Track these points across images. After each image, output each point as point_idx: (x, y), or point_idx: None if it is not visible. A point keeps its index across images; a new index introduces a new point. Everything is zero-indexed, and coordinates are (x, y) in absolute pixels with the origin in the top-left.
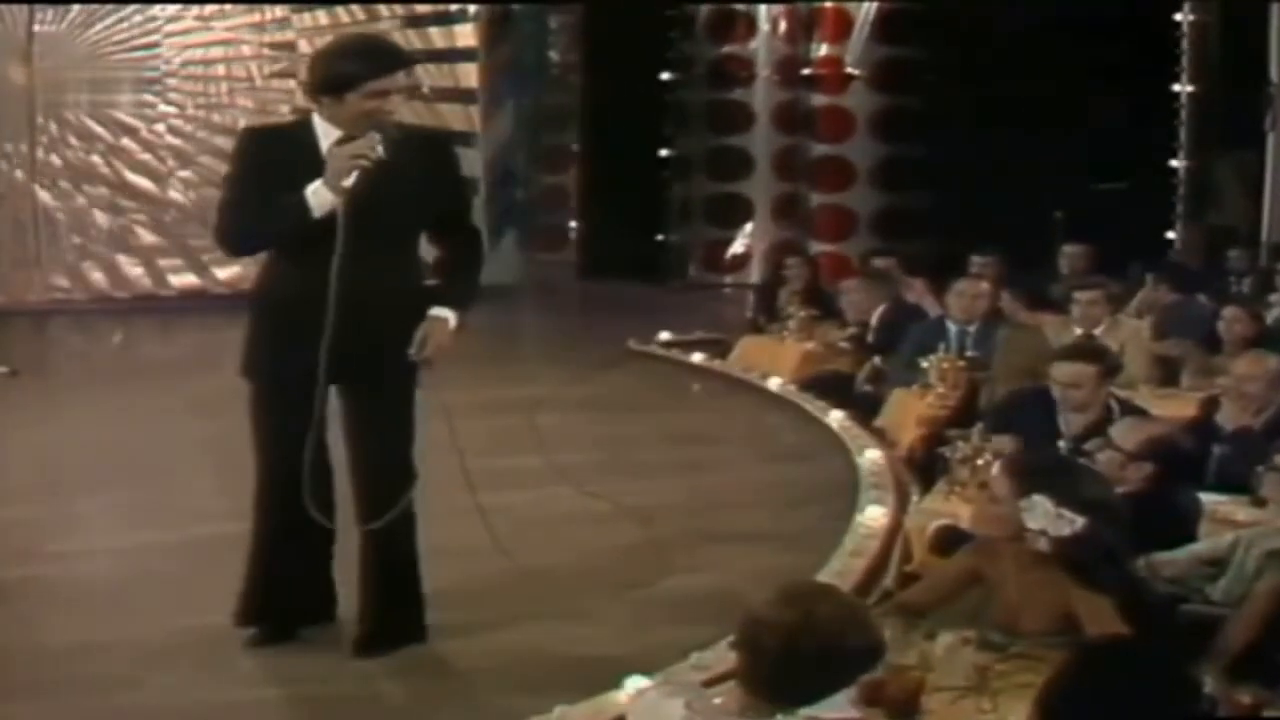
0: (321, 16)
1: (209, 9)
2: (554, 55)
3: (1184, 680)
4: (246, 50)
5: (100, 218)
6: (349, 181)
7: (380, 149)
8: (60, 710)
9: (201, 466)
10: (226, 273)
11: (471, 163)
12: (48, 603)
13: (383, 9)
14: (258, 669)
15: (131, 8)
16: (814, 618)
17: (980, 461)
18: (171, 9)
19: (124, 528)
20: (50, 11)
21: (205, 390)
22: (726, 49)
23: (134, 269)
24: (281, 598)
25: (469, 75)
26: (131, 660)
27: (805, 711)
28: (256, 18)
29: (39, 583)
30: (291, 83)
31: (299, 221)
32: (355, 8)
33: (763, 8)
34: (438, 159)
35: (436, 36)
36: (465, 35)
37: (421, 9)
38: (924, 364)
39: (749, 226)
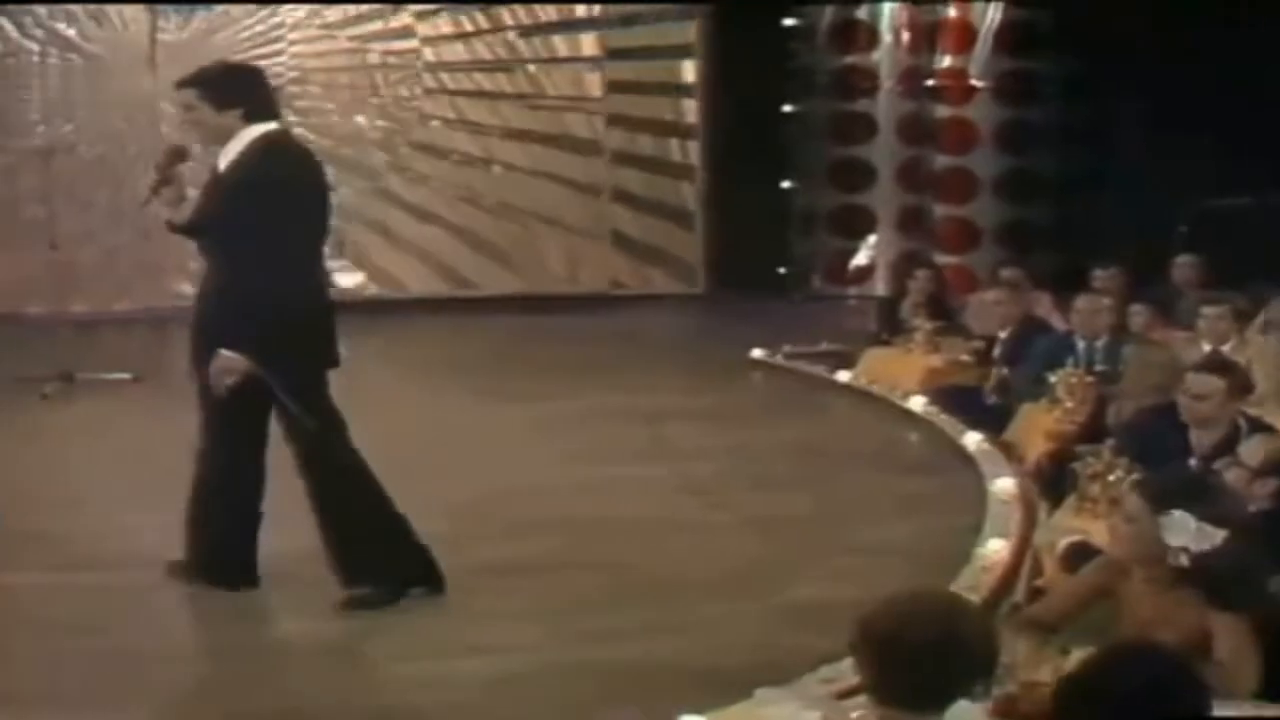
0: (444, 25)
1: (332, 16)
2: None
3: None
4: (370, 58)
5: None
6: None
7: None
8: None
9: None
10: (350, 280)
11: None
12: (182, 611)
13: (506, 16)
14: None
15: (256, 16)
16: (920, 619)
17: (1111, 478)
18: (298, 15)
19: None
20: (174, 19)
21: None
22: (849, 59)
23: None
24: None
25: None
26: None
27: None
28: (379, 26)
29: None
30: (416, 90)
31: None
32: (479, 16)
33: (885, 18)
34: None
35: (560, 44)
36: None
37: (546, 16)
38: (1052, 379)
39: (872, 238)
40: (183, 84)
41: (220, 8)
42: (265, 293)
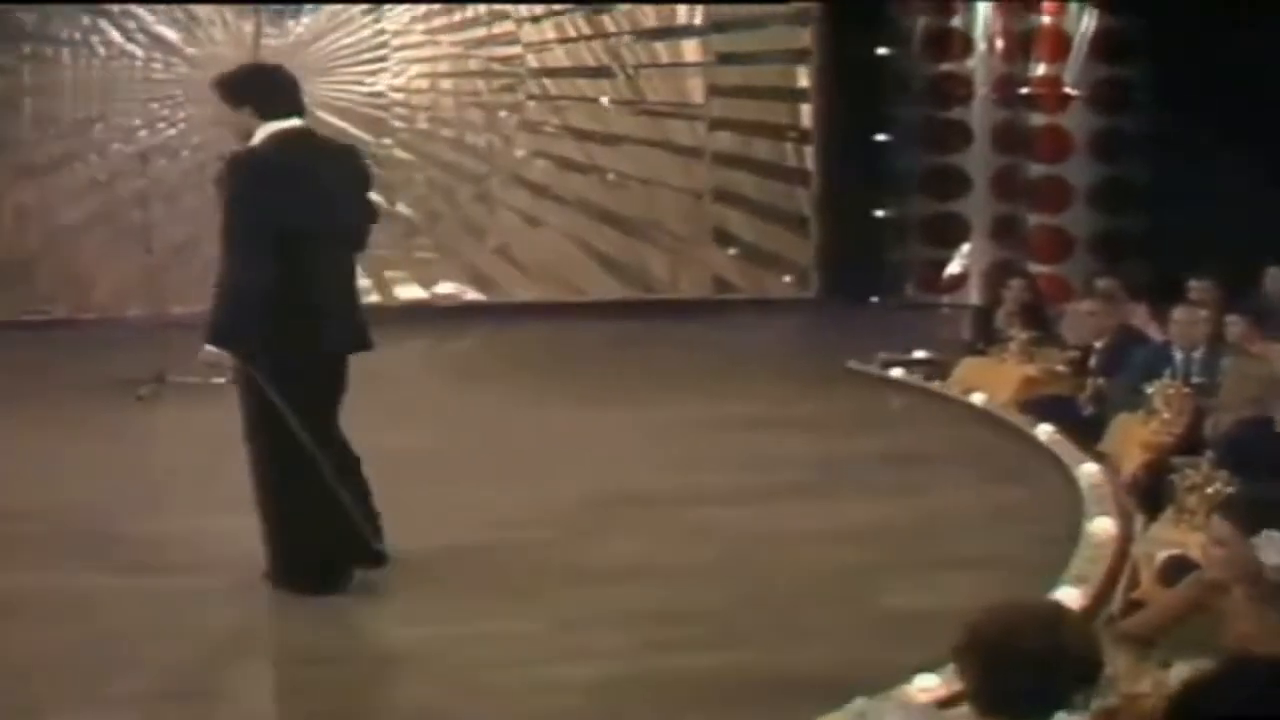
0: (548, 30)
1: (436, 22)
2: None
3: None
4: (473, 65)
5: None
6: None
7: None
8: None
9: (408, 477)
10: (450, 287)
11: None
12: (271, 616)
13: (609, 23)
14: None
15: (360, 21)
16: (1028, 628)
17: (1209, 490)
18: (402, 20)
19: None
20: (279, 25)
21: (415, 400)
22: (944, 67)
23: (360, 280)
24: None
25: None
26: None
27: None
28: (483, 33)
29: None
30: (519, 96)
31: None
32: (581, 21)
33: (980, 26)
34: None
35: (663, 50)
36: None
37: (648, 22)
38: (1149, 390)
39: (966, 246)
40: (211, 84)
41: (326, 12)
42: (233, 288)
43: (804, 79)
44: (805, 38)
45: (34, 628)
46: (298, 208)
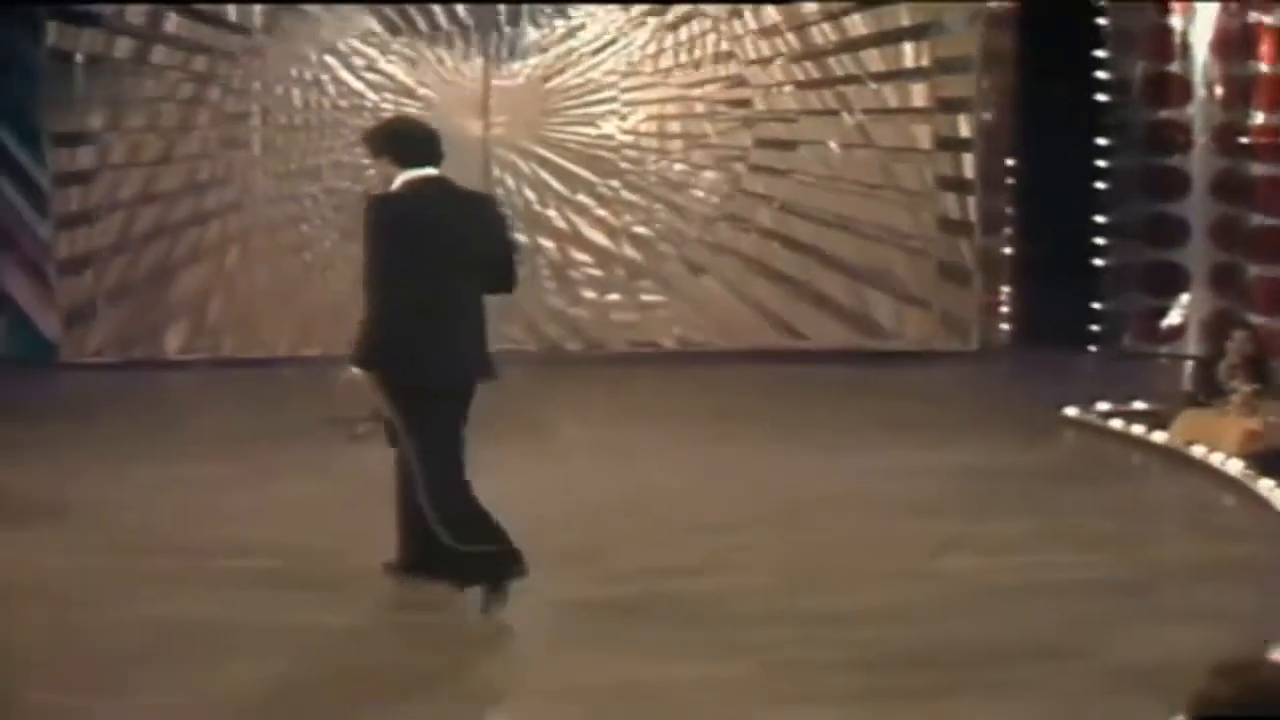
0: (776, 72)
1: (664, 63)
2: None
3: None
4: (700, 107)
5: (551, 270)
6: None
7: None
8: None
9: (628, 517)
10: (679, 329)
11: None
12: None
13: (835, 67)
14: None
15: (589, 62)
16: (1265, 688)
17: None
18: (631, 60)
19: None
20: (508, 67)
21: (639, 443)
22: (1163, 114)
23: (585, 322)
24: None
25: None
26: None
27: None
28: (710, 73)
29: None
30: (746, 139)
31: None
32: (809, 64)
33: (1199, 73)
34: None
35: (890, 94)
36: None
37: (878, 67)
38: None
39: (1185, 296)
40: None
41: (554, 53)
42: (370, 317)
43: (965, 128)
44: (970, 85)
45: (247, 661)
46: (424, 246)
